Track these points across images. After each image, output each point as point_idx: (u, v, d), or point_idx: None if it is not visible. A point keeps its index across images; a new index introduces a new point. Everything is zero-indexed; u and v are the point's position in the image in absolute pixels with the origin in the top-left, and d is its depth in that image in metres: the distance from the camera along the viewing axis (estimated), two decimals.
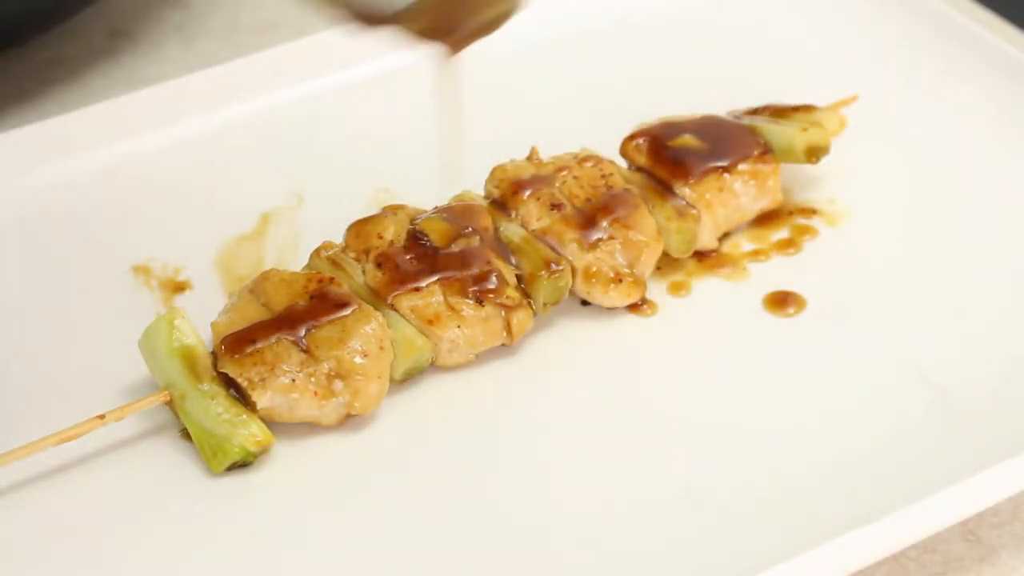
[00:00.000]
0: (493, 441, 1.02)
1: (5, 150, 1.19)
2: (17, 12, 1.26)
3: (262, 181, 1.20)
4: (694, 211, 1.11)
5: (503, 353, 1.07)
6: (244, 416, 0.99)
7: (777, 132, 1.14)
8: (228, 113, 1.25)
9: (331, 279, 1.04)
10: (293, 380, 1.00)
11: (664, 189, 1.12)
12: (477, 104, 1.27)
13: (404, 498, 0.98)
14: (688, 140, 1.14)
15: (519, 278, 1.07)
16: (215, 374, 1.00)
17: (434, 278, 1.04)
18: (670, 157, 1.13)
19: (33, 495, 0.98)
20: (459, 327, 1.04)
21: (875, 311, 1.09)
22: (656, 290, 1.11)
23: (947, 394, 1.03)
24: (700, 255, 1.13)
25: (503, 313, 1.04)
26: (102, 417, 0.99)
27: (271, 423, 1.01)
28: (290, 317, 1.01)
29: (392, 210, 1.09)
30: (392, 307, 1.04)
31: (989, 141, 1.21)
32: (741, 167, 1.13)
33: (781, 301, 1.10)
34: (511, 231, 1.09)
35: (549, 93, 1.28)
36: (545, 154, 1.14)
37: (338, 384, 1.00)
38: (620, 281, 1.08)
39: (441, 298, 1.04)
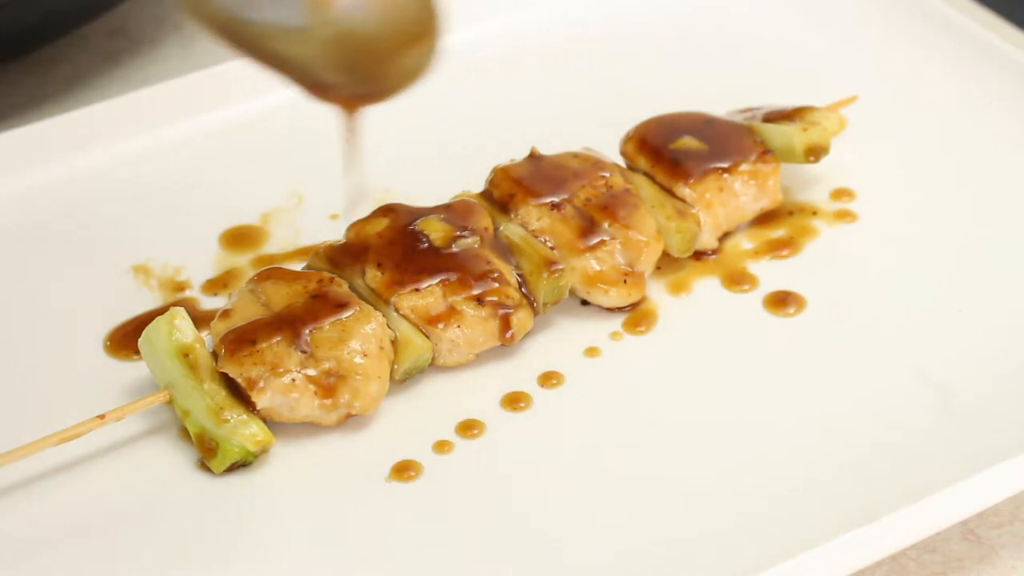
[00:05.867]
0: (493, 441, 1.02)
1: (5, 150, 1.19)
2: (27, 24, 1.27)
3: (262, 181, 1.20)
4: (694, 211, 1.11)
5: (503, 353, 1.07)
6: (244, 416, 0.99)
7: (777, 132, 1.14)
8: (228, 113, 1.25)
9: (331, 279, 1.04)
10: (293, 380, 1.00)
11: (664, 189, 1.12)
12: (477, 104, 1.28)
13: (404, 498, 0.98)
14: (688, 141, 1.14)
15: (519, 278, 1.07)
16: (215, 374, 1.00)
17: (434, 278, 1.04)
18: (670, 157, 1.13)
19: (33, 495, 0.98)
20: (459, 327, 1.04)
21: (875, 311, 1.09)
22: (656, 290, 1.11)
23: (947, 394, 1.03)
24: (700, 255, 1.13)
25: (503, 313, 1.04)
26: (102, 417, 0.99)
27: (271, 423, 1.01)
28: (290, 317, 1.01)
29: (391, 210, 1.09)
30: (392, 307, 1.04)
31: (989, 140, 1.21)
32: (741, 167, 1.13)
33: (781, 301, 1.10)
34: (511, 231, 1.09)
35: (549, 93, 1.28)
36: (545, 154, 1.14)
37: (338, 384, 1.00)
38: (620, 281, 1.08)
39: (441, 298, 1.04)
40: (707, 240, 1.13)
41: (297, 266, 1.10)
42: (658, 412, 1.03)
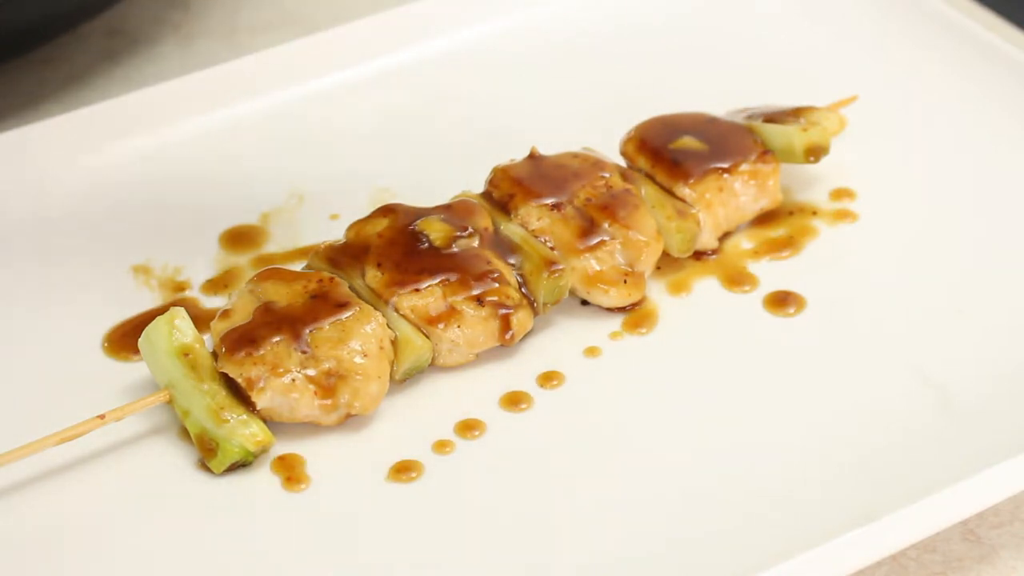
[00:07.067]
0: (493, 441, 1.02)
1: (4, 150, 1.19)
2: (26, 23, 1.26)
3: (262, 181, 1.20)
4: (694, 211, 1.11)
5: (503, 353, 1.07)
6: (244, 416, 0.99)
7: (777, 132, 1.14)
8: (228, 113, 1.25)
9: (331, 279, 1.04)
10: (293, 380, 1.00)
11: (664, 189, 1.12)
12: (477, 104, 1.28)
13: (403, 498, 0.98)
14: (688, 141, 1.14)
15: (519, 278, 1.07)
16: (215, 374, 1.00)
17: (434, 278, 1.04)
18: (670, 157, 1.13)
19: (33, 495, 0.98)
20: (459, 327, 1.04)
21: (875, 311, 1.09)
22: (656, 290, 1.11)
23: (947, 394, 1.03)
24: (700, 255, 1.13)
25: (503, 313, 1.04)
26: (102, 417, 0.99)
27: (271, 423, 1.01)
28: (290, 317, 1.01)
29: (391, 210, 1.09)
30: (392, 307, 1.04)
31: (989, 140, 1.21)
32: (741, 167, 1.13)
33: (781, 301, 1.10)
34: (511, 231, 1.09)
35: (549, 93, 1.28)
36: (545, 154, 1.14)
37: (338, 384, 1.00)
38: (620, 281, 1.08)
39: (441, 298, 1.04)
40: (707, 240, 1.13)
41: (297, 266, 1.10)
42: (658, 412, 1.03)
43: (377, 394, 1.02)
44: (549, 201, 1.09)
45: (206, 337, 1.04)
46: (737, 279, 1.12)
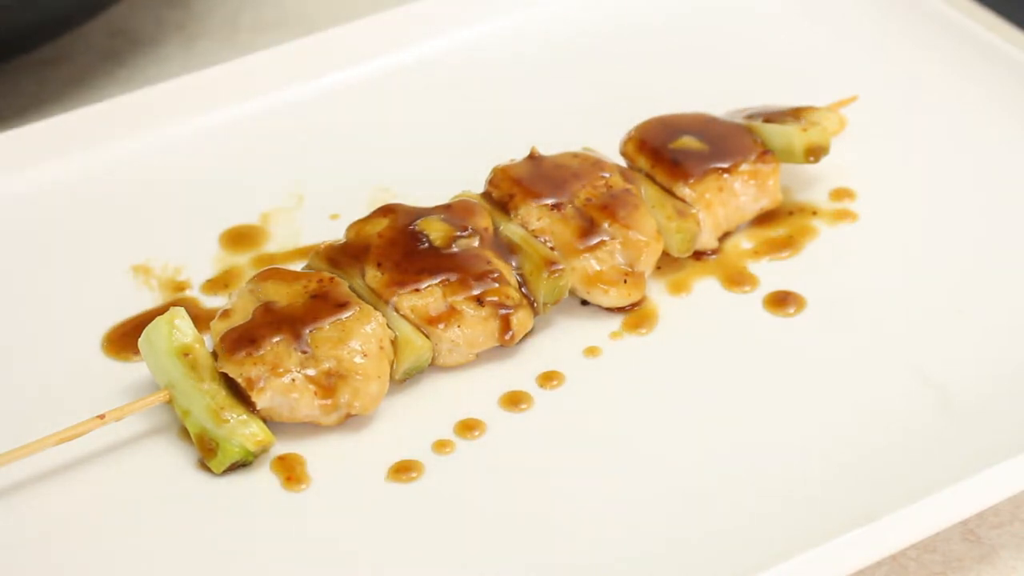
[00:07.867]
0: (493, 441, 1.02)
1: (5, 150, 1.19)
2: (26, 23, 1.26)
3: (262, 181, 1.20)
4: (694, 211, 1.11)
5: (503, 353, 1.07)
6: (244, 416, 0.99)
7: (777, 132, 1.14)
8: (228, 113, 1.25)
9: (331, 279, 1.04)
10: (293, 380, 1.00)
11: (664, 189, 1.12)
12: (477, 104, 1.28)
13: (403, 498, 0.98)
14: (688, 141, 1.14)
15: (519, 278, 1.07)
16: (215, 374, 1.00)
17: (434, 278, 1.04)
18: (670, 157, 1.13)
19: (33, 495, 0.98)
20: (459, 327, 1.04)
21: (875, 311, 1.09)
22: (656, 290, 1.11)
23: (947, 394, 1.03)
24: (700, 255, 1.13)
25: (503, 313, 1.04)
26: (102, 417, 0.99)
27: (271, 423, 1.01)
28: (290, 317, 1.01)
29: (391, 210, 1.09)
30: (392, 307, 1.04)
31: (989, 140, 1.21)
32: (741, 167, 1.13)
33: (781, 301, 1.10)
34: (511, 231, 1.09)
35: (549, 93, 1.28)
36: (545, 154, 1.14)
37: (338, 384, 1.00)
38: (620, 281, 1.08)
39: (441, 298, 1.04)
40: (707, 240, 1.13)
41: (297, 266, 1.10)
42: (658, 412, 1.03)
43: (377, 394, 1.02)
44: (549, 201, 1.09)
45: (206, 337, 1.04)
46: (737, 279, 1.12)
